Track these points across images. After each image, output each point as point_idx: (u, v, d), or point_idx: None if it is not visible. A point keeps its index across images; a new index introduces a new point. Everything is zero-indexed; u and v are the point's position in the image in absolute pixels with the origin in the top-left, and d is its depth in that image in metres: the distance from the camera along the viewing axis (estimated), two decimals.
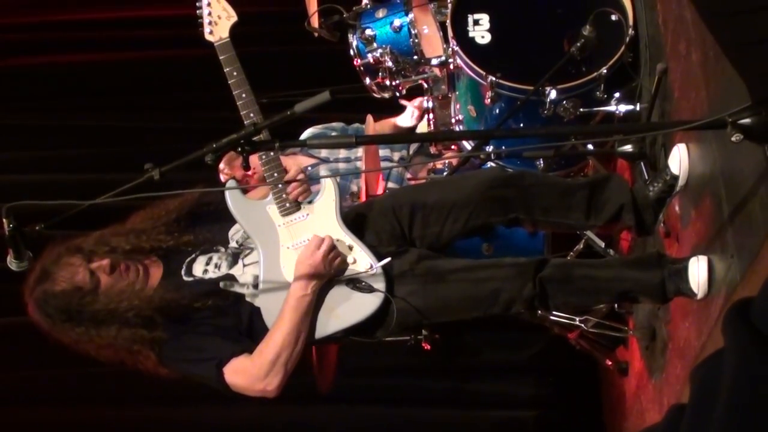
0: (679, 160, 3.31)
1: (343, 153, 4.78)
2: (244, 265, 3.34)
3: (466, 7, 4.14)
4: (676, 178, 3.32)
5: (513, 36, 4.14)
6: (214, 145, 2.46)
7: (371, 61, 4.38)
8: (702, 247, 3.12)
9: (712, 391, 2.02)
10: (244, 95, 3.25)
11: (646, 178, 3.61)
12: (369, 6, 4.46)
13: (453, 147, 4.63)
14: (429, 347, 4.39)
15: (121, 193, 2.47)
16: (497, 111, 4.08)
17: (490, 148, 4.05)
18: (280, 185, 3.27)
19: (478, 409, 5.37)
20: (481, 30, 4.11)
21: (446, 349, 4.84)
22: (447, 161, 4.45)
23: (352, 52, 4.45)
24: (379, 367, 5.33)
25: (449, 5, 4.18)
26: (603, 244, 4.23)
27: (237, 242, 3.43)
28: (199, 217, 3.50)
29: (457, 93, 4.33)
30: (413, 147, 4.84)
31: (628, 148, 3.74)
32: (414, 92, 4.67)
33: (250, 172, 4.51)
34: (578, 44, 3.87)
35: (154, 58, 6.05)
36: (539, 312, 4.31)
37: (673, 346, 3.59)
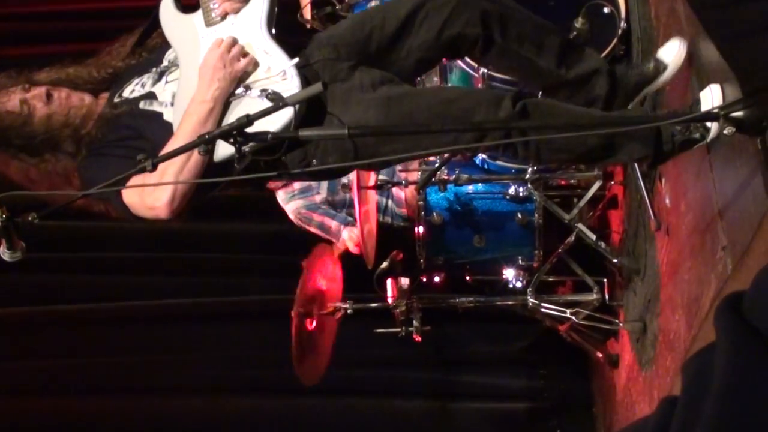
0: (674, 52, 3.14)
1: None
2: (166, 82, 3.09)
3: None
4: (664, 67, 3.15)
5: None
6: (207, 136, 2.44)
7: None
8: (693, 240, 3.13)
9: (704, 385, 2.02)
10: None
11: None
12: None
13: None
14: (420, 339, 4.40)
15: (115, 183, 2.46)
16: None
17: None
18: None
19: (469, 400, 5.39)
20: None
21: (437, 341, 4.86)
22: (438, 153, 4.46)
23: None
24: (370, 359, 5.34)
25: None
26: (594, 237, 4.24)
27: (169, 61, 3.15)
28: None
29: (449, 85, 4.33)
30: None
31: None
32: None
33: None
34: (570, 36, 3.87)
35: None
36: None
37: (663, 339, 3.60)
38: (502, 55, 3.17)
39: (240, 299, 5.43)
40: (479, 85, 3.97)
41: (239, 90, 2.94)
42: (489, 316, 5.10)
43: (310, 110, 2.88)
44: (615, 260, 4.25)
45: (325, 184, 4.71)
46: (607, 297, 4.41)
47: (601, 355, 4.66)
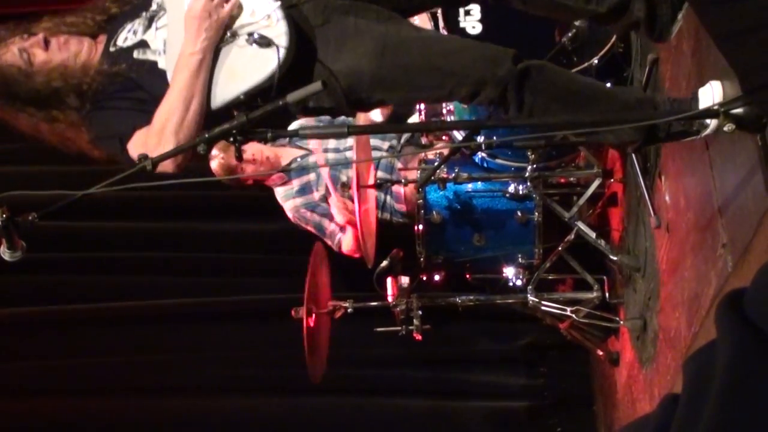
0: None
1: (332, 143, 4.78)
2: (157, 29, 3.00)
3: None
4: None
5: (504, 26, 4.12)
6: (207, 135, 2.44)
7: None
8: (693, 238, 3.12)
9: (705, 383, 2.02)
10: None
11: None
12: None
13: (444, 137, 4.63)
14: (420, 338, 4.40)
15: (115, 183, 2.46)
16: None
17: (480, 139, 4.06)
18: None
19: (470, 399, 5.38)
20: (472, 20, 4.10)
21: (437, 340, 4.85)
22: (438, 151, 4.46)
23: None
24: (370, 358, 5.33)
25: None
26: (594, 235, 4.23)
27: (157, 4, 3.06)
28: None
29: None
30: (404, 137, 4.84)
31: None
32: None
33: (250, 157, 4.53)
34: (569, 34, 3.87)
35: None
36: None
37: (663, 337, 3.60)
38: (523, 1, 3.03)
39: (240, 299, 5.43)
40: None
41: (226, 36, 2.87)
42: (489, 314, 5.10)
43: (298, 57, 2.80)
44: (615, 258, 4.24)
45: (324, 182, 4.70)
46: (607, 295, 4.41)
47: (601, 353, 4.66)
